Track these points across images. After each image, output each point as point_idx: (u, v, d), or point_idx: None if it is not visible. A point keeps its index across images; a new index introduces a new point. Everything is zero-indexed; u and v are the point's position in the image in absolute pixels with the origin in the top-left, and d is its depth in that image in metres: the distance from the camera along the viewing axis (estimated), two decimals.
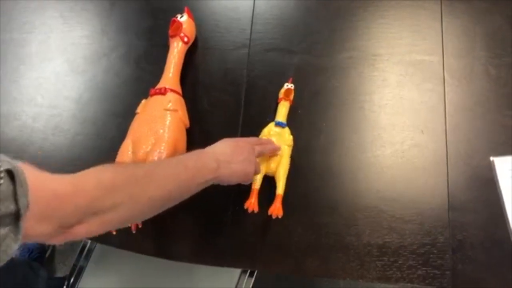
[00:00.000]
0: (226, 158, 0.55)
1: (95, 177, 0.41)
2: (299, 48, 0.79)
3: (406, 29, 0.78)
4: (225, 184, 0.58)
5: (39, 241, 0.38)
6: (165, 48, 0.77)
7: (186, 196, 0.50)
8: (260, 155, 0.63)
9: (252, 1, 0.82)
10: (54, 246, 1.19)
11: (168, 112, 0.66)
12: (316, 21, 0.81)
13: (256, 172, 0.61)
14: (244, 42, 0.80)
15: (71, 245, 1.19)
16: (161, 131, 0.64)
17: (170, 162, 0.50)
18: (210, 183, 0.53)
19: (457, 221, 0.68)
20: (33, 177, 0.34)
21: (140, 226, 0.60)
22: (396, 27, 0.79)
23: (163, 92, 0.67)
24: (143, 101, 0.70)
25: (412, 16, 0.79)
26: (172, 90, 0.68)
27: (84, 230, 0.39)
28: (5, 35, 0.84)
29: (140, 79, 0.79)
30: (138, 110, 0.68)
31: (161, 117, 0.65)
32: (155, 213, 0.47)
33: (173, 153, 0.63)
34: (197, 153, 0.53)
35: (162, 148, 0.62)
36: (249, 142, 0.62)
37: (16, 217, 0.32)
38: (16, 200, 0.32)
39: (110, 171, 0.42)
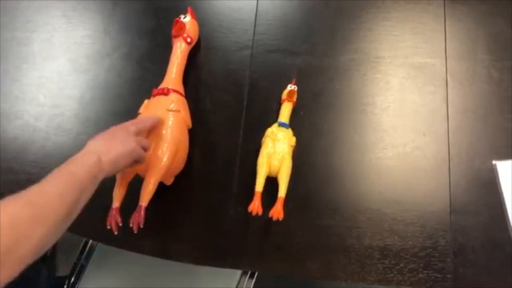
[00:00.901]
0: (103, 148, 0.53)
1: None
2: (301, 49, 0.79)
3: (409, 31, 0.78)
4: (121, 171, 0.57)
5: None
6: (168, 48, 0.77)
7: (85, 198, 0.49)
8: (140, 133, 0.60)
9: (255, 2, 0.82)
10: (56, 244, 1.19)
11: (170, 112, 0.66)
12: (318, 23, 0.81)
13: (145, 148, 0.60)
14: (246, 43, 0.80)
15: (73, 244, 1.19)
16: (164, 131, 0.64)
17: (55, 175, 0.47)
18: (101, 177, 0.52)
19: (458, 224, 0.68)
20: None
21: (141, 226, 0.60)
22: (399, 29, 0.79)
23: (165, 92, 0.67)
24: (146, 101, 0.70)
25: (415, 18, 0.79)
26: (174, 91, 0.68)
27: (4, 275, 0.37)
28: (7, 34, 0.84)
29: (142, 79, 0.79)
30: (141, 110, 0.68)
31: (164, 118, 0.65)
32: (64, 228, 0.46)
33: (176, 153, 0.63)
34: (72, 158, 0.51)
35: (165, 148, 0.62)
36: (120, 126, 0.60)
37: None
38: None
39: (7, 203, 0.40)
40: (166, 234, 0.71)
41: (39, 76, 0.81)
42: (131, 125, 0.60)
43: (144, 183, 0.61)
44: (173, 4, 0.84)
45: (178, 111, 0.66)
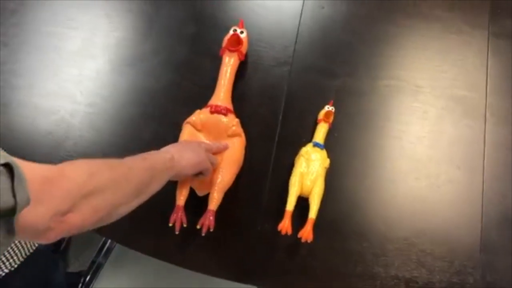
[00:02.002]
0: (176, 152, 0.58)
1: (78, 164, 0.45)
2: (340, 70, 0.79)
3: (450, 62, 0.78)
4: (185, 175, 0.60)
5: (36, 235, 0.39)
6: (207, 57, 0.78)
7: (155, 186, 0.53)
8: (208, 150, 0.65)
9: (298, 19, 0.82)
10: (69, 239, 1.19)
11: (234, 138, 0.68)
12: (360, 46, 0.80)
13: (213, 163, 0.64)
14: (286, 60, 0.80)
15: (87, 240, 1.19)
16: (227, 155, 0.67)
17: (130, 158, 0.52)
18: (171, 173, 0.56)
19: (488, 263, 0.67)
20: (23, 165, 0.35)
21: (211, 230, 0.62)
22: (440, 60, 0.78)
23: (224, 112, 0.68)
24: (197, 111, 0.69)
25: (457, 50, 0.79)
26: (231, 111, 0.69)
27: (78, 218, 0.41)
28: (49, 28, 0.85)
29: (179, 86, 0.79)
30: (194, 120, 0.69)
31: (226, 142, 0.68)
32: (134, 203, 0.50)
33: (236, 173, 0.67)
34: (148, 152, 0.56)
35: (225, 170, 0.66)
36: (192, 140, 0.67)
37: (12, 212, 0.32)
38: (14, 195, 0.32)
39: (89, 160, 0.47)
40: (190, 244, 0.71)
41: (78, 73, 0.81)
42: (201, 142, 0.66)
43: (212, 191, 0.65)
44: (216, 13, 0.84)
45: (239, 134, 0.68)
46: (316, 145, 0.71)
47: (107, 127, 0.78)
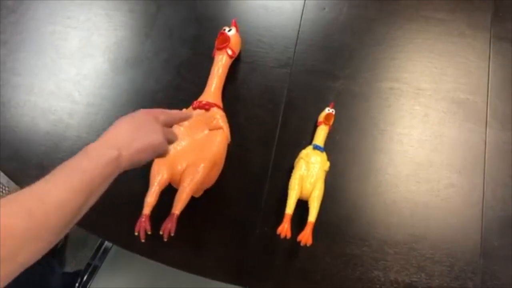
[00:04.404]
0: (125, 139, 0.48)
1: None
2: (341, 73, 0.78)
3: (452, 65, 0.78)
4: (140, 165, 0.51)
5: None
6: (208, 58, 0.77)
7: (94, 199, 0.45)
8: (168, 124, 0.57)
9: (299, 20, 0.82)
10: (66, 239, 1.19)
11: (215, 131, 0.66)
12: (361, 48, 0.80)
13: (170, 141, 0.56)
14: (286, 61, 0.79)
15: (84, 239, 1.19)
16: (205, 147, 0.64)
17: (64, 173, 0.43)
18: (118, 171, 0.47)
19: (488, 268, 0.66)
20: None
21: (172, 234, 0.58)
22: (442, 62, 0.78)
23: (206, 107, 0.67)
24: (184, 110, 0.69)
25: (459, 53, 0.78)
26: (215, 105, 0.68)
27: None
28: (48, 27, 0.84)
29: (179, 87, 0.79)
30: (183, 124, 0.67)
31: (206, 136, 0.65)
32: (68, 231, 0.43)
33: (211, 168, 0.64)
34: (91, 148, 0.46)
35: (202, 164, 0.62)
36: (148, 112, 0.54)
37: None
38: None
39: (3, 214, 0.37)
40: (189, 247, 0.70)
41: (76, 73, 0.80)
42: (160, 114, 0.55)
43: (178, 192, 0.60)
44: (217, 13, 0.84)
45: (221, 127, 0.66)
46: (316, 147, 0.70)
47: (105, 128, 0.75)
